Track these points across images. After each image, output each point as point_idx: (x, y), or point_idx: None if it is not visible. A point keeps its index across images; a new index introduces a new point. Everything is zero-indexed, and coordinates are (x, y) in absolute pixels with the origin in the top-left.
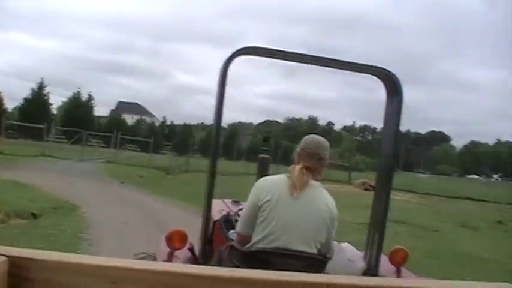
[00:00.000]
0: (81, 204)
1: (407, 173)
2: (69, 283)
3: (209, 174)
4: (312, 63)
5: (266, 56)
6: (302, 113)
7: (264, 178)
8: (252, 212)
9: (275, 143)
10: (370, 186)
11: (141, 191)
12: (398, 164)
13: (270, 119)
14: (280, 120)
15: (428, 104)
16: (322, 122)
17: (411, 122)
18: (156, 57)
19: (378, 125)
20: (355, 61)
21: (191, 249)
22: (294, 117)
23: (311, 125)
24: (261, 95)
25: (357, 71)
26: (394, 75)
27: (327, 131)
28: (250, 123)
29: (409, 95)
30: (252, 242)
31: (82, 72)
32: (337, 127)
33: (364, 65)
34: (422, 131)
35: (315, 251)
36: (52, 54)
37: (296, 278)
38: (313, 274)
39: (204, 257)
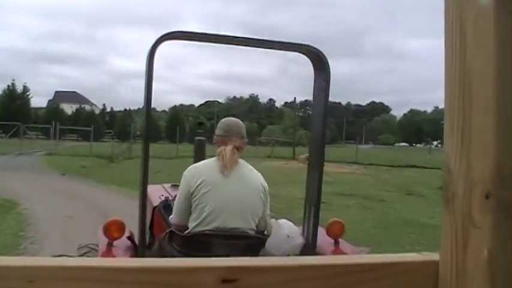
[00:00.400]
0: (21, 200)
1: (350, 145)
2: None
3: (142, 159)
4: (240, 45)
5: (192, 40)
6: (243, 92)
7: (191, 166)
8: (184, 200)
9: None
10: None
11: (84, 181)
12: (341, 137)
13: (211, 99)
14: (222, 100)
15: (367, 76)
16: (263, 100)
17: (351, 95)
18: (92, 44)
19: None
20: (281, 40)
21: (130, 238)
22: (235, 97)
23: (252, 104)
24: (201, 76)
25: (284, 50)
26: (320, 51)
27: (269, 108)
28: (192, 105)
29: (348, 68)
30: (190, 227)
31: (16, 63)
32: (279, 104)
33: (291, 43)
34: (363, 103)
35: (253, 227)
36: None
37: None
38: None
39: (144, 244)
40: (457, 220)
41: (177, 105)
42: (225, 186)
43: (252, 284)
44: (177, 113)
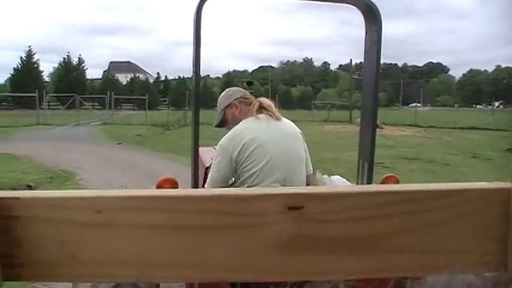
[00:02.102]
0: (77, 171)
1: (408, 107)
2: (55, 216)
3: (193, 121)
4: None
5: None
6: (297, 56)
7: (225, 136)
8: (225, 168)
9: (272, 88)
10: None
11: (140, 150)
12: (398, 99)
13: (264, 64)
14: (275, 65)
15: (423, 36)
16: (317, 63)
17: (407, 55)
18: (143, 13)
19: None
20: None
21: None
22: (288, 61)
23: (306, 67)
24: (254, 42)
25: (334, 2)
26: (372, 3)
27: (323, 71)
28: (245, 71)
29: (403, 28)
30: (243, 183)
31: (71, 37)
32: (333, 67)
33: None
34: (420, 64)
35: (305, 177)
36: (38, 21)
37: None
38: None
39: None
40: None
41: (230, 71)
42: (272, 138)
43: (317, 211)
44: (231, 79)
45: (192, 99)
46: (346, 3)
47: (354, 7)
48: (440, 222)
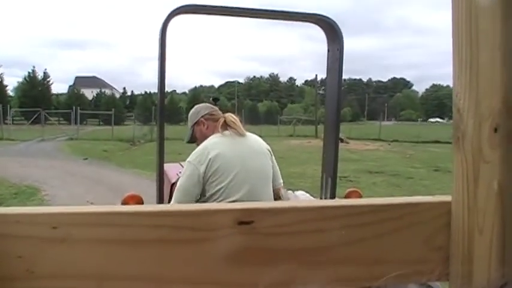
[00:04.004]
0: (42, 186)
1: (373, 122)
2: (12, 232)
3: (158, 137)
4: (252, 16)
5: (203, 13)
6: (263, 71)
7: (193, 152)
8: (192, 186)
9: (238, 103)
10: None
11: (106, 165)
12: (363, 114)
13: (231, 80)
14: (242, 80)
15: (387, 52)
16: (283, 79)
17: (372, 71)
18: (110, 28)
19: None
20: (294, 11)
21: None
22: (254, 76)
23: (273, 83)
24: (221, 57)
25: (297, 20)
26: (332, 20)
27: (289, 86)
28: (212, 86)
29: (368, 44)
30: (209, 199)
31: (36, 51)
32: (299, 82)
33: (303, 13)
34: (384, 79)
35: (272, 193)
36: (2, 35)
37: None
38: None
39: None
40: (468, 158)
41: (197, 86)
42: (237, 154)
43: (267, 225)
44: (198, 94)
45: (157, 116)
46: (309, 22)
47: (317, 26)
48: (385, 235)
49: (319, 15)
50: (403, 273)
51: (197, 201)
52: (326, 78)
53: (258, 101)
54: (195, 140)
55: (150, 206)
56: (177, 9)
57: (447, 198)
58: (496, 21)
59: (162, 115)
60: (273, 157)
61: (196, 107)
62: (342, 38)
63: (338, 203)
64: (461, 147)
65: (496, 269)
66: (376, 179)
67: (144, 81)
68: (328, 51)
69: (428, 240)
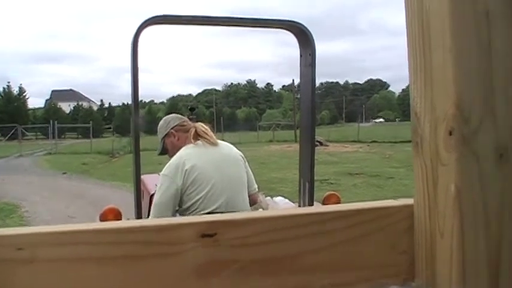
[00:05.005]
0: (21, 203)
1: (351, 124)
2: None
3: (134, 149)
4: (224, 25)
5: (175, 23)
6: (240, 78)
7: (168, 164)
8: (169, 199)
9: (217, 111)
10: (317, 141)
11: (85, 179)
12: (341, 116)
13: (208, 87)
14: (219, 88)
15: (362, 54)
16: (261, 85)
17: (349, 73)
18: (85, 41)
19: (318, 79)
20: (265, 17)
21: None
22: (232, 83)
23: (250, 89)
24: (198, 66)
25: (268, 27)
26: (303, 26)
27: (267, 92)
28: (190, 95)
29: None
30: (188, 210)
31: (11, 65)
32: (277, 88)
33: (274, 20)
34: (361, 81)
35: (247, 200)
36: None
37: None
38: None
39: None
40: (426, 161)
41: (174, 95)
42: (212, 164)
43: (230, 237)
44: (176, 103)
45: (132, 129)
46: (280, 28)
47: (288, 32)
48: (351, 240)
49: (290, 21)
50: (371, 277)
51: (175, 213)
52: (300, 83)
53: (237, 108)
54: (166, 152)
55: (114, 223)
56: (148, 20)
57: (410, 201)
58: (446, 24)
59: (137, 127)
60: (247, 163)
61: (165, 118)
62: (313, 43)
63: (302, 211)
64: (420, 151)
65: (457, 271)
66: (356, 181)
67: (121, 93)
68: (301, 56)
69: (394, 244)
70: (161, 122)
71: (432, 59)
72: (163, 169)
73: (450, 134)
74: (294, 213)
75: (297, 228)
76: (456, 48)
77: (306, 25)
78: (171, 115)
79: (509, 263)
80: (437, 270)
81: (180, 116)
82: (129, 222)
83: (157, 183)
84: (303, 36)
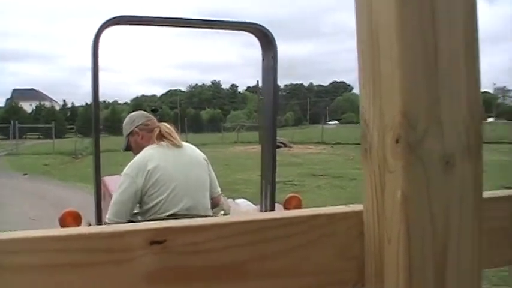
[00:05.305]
0: None
1: (316, 126)
2: None
3: (94, 150)
4: (185, 26)
5: (137, 24)
6: (204, 79)
7: (130, 163)
8: (129, 198)
9: (181, 112)
10: (281, 143)
11: (47, 180)
12: (306, 118)
13: (173, 88)
14: (184, 89)
15: (326, 56)
16: (225, 86)
17: (313, 75)
18: (48, 39)
19: (282, 81)
20: (228, 20)
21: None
22: (196, 84)
23: (215, 90)
24: (162, 66)
25: (231, 29)
26: (265, 29)
27: (232, 93)
28: (154, 96)
29: (308, 48)
30: (149, 214)
31: None
32: (241, 89)
33: (236, 22)
34: (325, 83)
35: (209, 204)
36: None
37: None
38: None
39: None
40: (375, 168)
41: (138, 96)
42: (175, 166)
43: (179, 244)
44: (140, 104)
45: (92, 130)
46: (243, 30)
47: (251, 34)
48: (300, 247)
49: (252, 24)
50: (321, 284)
51: (135, 214)
52: (262, 86)
53: (201, 109)
54: (131, 149)
55: (59, 230)
56: (108, 21)
57: (359, 207)
58: (393, 36)
59: (97, 128)
60: (210, 166)
61: (130, 115)
62: (275, 46)
63: (250, 217)
64: (368, 158)
65: (404, 277)
66: (320, 182)
67: (84, 92)
68: (263, 59)
69: (345, 250)
70: (126, 119)
71: (381, 69)
72: (125, 168)
73: (397, 141)
74: (246, 220)
75: (249, 235)
76: (403, 59)
77: (271, 27)
78: (136, 112)
79: (455, 268)
80: (386, 276)
81: (146, 114)
82: (76, 229)
83: (118, 182)
84: (265, 39)
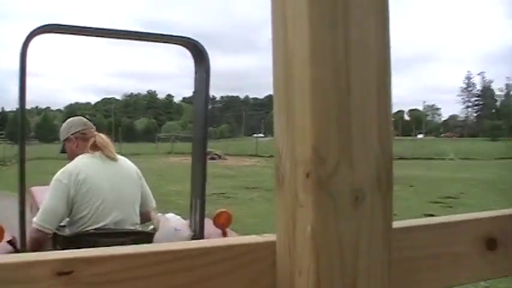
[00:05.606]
0: None
1: (251, 138)
2: None
3: (20, 160)
4: (116, 37)
5: (67, 33)
6: (140, 88)
7: (62, 169)
8: (59, 203)
9: (115, 121)
10: (215, 154)
11: None
12: (241, 130)
13: (108, 96)
14: (119, 97)
15: (263, 70)
16: (161, 96)
17: (249, 88)
18: None
19: (218, 93)
20: (161, 33)
21: (11, 242)
22: (132, 93)
23: (150, 99)
24: (97, 74)
25: (164, 42)
26: (198, 43)
27: (167, 103)
28: (88, 103)
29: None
30: (75, 227)
31: None
32: (177, 99)
33: (170, 35)
34: (260, 96)
35: (138, 218)
36: None
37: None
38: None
39: (25, 248)
40: (287, 200)
41: (72, 103)
42: (107, 179)
43: (87, 275)
44: (73, 111)
45: (19, 138)
46: (176, 44)
47: (185, 48)
48: (212, 278)
49: (186, 38)
50: None
51: (62, 227)
52: (194, 99)
53: (136, 118)
54: (66, 153)
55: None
56: (38, 29)
57: (273, 238)
58: (306, 67)
59: (23, 136)
60: (143, 180)
61: (68, 121)
62: (208, 60)
63: (166, 247)
64: (281, 189)
65: None
66: (253, 195)
67: (15, 97)
68: (196, 73)
69: (257, 281)
70: (64, 124)
71: (294, 103)
72: (57, 174)
73: (307, 176)
74: (160, 250)
75: (156, 266)
76: (314, 94)
77: (211, 39)
78: (75, 118)
79: None
80: None
81: (84, 121)
82: None
83: (49, 188)
84: (199, 54)
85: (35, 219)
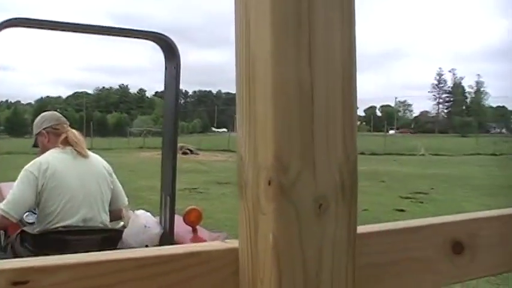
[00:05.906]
0: None
1: (223, 133)
2: None
3: None
4: (85, 32)
5: (34, 27)
6: (112, 82)
7: (33, 161)
8: (26, 194)
9: (87, 115)
10: (188, 149)
11: None
12: (213, 125)
13: (79, 90)
14: (90, 91)
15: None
16: (133, 90)
17: (222, 83)
18: None
19: (190, 87)
20: (131, 28)
21: None
22: (104, 87)
23: (122, 94)
24: (68, 67)
25: (133, 37)
26: (169, 38)
27: (139, 98)
28: (59, 97)
29: (218, 56)
30: (43, 224)
31: None
32: (149, 94)
33: (140, 31)
34: (233, 91)
35: (108, 216)
36: None
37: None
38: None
39: None
40: (249, 207)
41: (43, 97)
42: (76, 176)
43: (44, 284)
44: (44, 105)
45: None
46: (147, 39)
47: (155, 43)
48: (177, 284)
49: (156, 33)
50: None
51: (30, 224)
52: (164, 94)
53: (107, 113)
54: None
55: None
56: (4, 22)
57: (235, 244)
58: (268, 69)
59: None
60: (114, 178)
61: (42, 115)
62: (178, 56)
63: (126, 255)
64: (244, 195)
65: None
66: (225, 190)
67: None
68: (166, 68)
69: None
70: (37, 118)
71: (256, 109)
72: (27, 165)
73: (269, 183)
74: (119, 258)
75: (116, 274)
76: (277, 100)
77: (184, 34)
78: (48, 113)
79: None
80: None
81: (57, 116)
82: None
83: (18, 178)
84: (169, 49)
85: (1, 205)
